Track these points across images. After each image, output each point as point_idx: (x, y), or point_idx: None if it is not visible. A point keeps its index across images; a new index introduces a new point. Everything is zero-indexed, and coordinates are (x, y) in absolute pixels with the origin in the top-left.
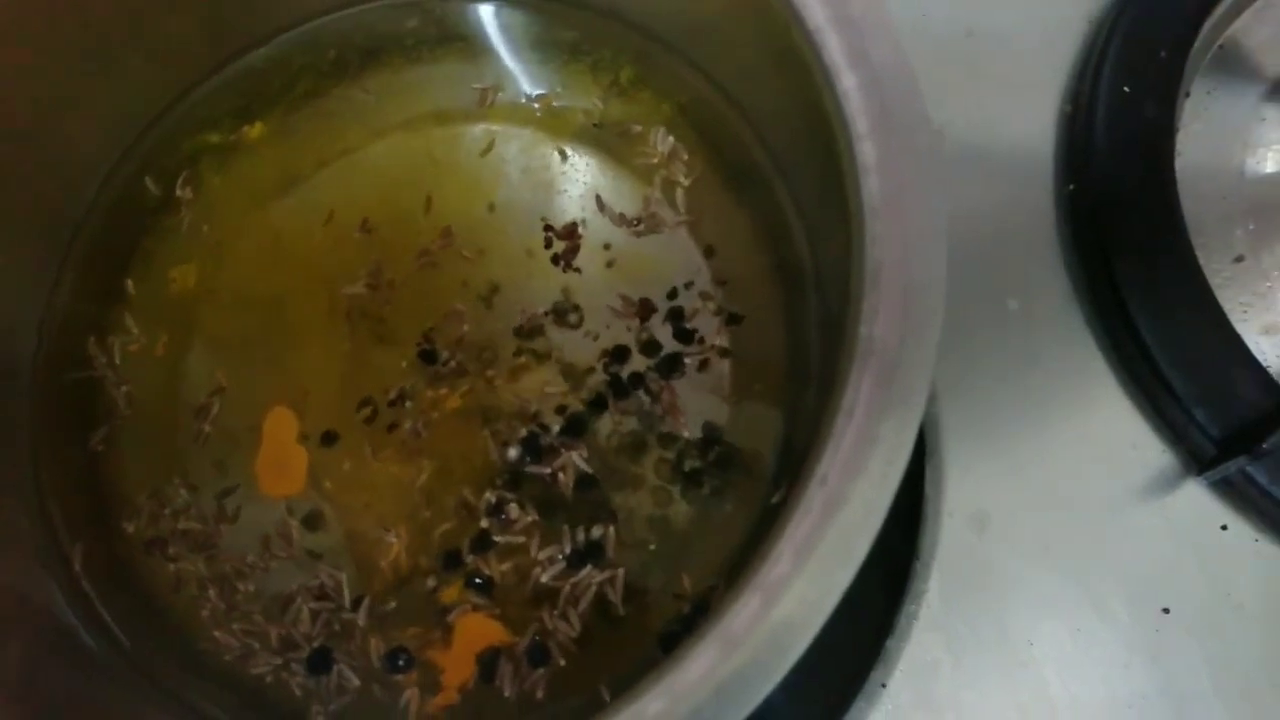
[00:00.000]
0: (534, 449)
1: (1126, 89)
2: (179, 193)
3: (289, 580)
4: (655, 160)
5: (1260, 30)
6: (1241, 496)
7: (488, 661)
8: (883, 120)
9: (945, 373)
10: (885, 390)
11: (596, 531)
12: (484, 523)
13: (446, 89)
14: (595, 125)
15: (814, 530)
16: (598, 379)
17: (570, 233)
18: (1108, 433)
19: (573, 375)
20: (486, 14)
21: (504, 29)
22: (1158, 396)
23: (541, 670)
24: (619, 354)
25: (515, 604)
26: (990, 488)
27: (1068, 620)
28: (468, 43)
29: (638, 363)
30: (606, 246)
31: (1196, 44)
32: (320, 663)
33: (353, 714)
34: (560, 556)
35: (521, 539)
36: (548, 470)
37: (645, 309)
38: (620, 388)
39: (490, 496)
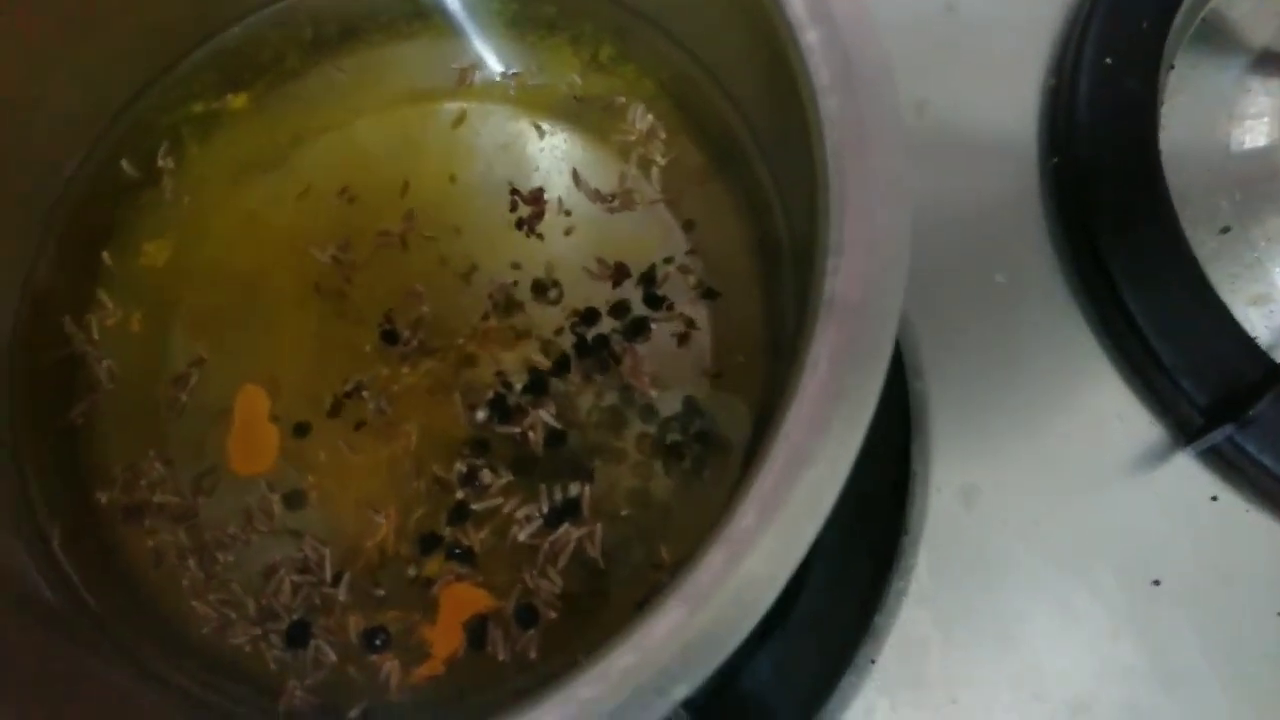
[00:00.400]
0: (502, 410)
1: (1109, 61)
2: (159, 164)
3: (271, 552)
4: (633, 138)
5: (1243, 3)
6: (1231, 466)
7: (475, 629)
8: (845, 74)
9: (933, 348)
10: (849, 345)
11: (573, 489)
12: (460, 493)
13: (423, 66)
14: (576, 99)
15: (778, 486)
16: (565, 339)
17: (536, 198)
18: (1096, 405)
19: (541, 338)
20: None
21: (480, 4)
22: (1145, 368)
23: (532, 631)
24: (588, 316)
25: (497, 570)
26: (978, 462)
27: (1057, 594)
28: (444, 19)
29: (606, 325)
30: (580, 221)
31: (1179, 16)
32: (298, 636)
33: (330, 689)
34: (538, 514)
35: (499, 501)
36: (517, 430)
37: (619, 273)
38: (584, 348)
39: (461, 466)
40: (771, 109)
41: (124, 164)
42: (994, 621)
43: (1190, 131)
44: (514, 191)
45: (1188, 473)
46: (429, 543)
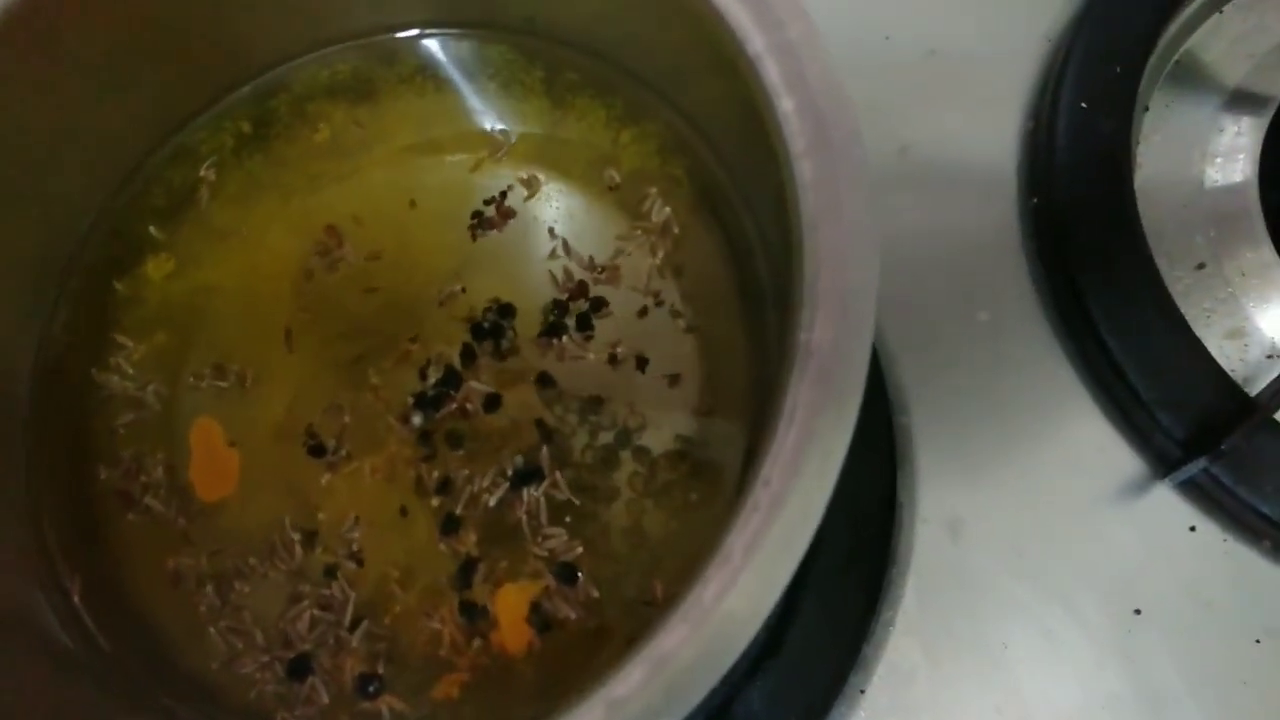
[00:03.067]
0: (430, 402)
1: (1084, 105)
2: (157, 234)
3: (300, 581)
4: (648, 227)
5: (1216, 44)
6: (1208, 498)
7: (538, 615)
8: (818, 140)
9: (918, 384)
10: (822, 391)
11: (532, 456)
12: (435, 501)
13: (434, 124)
14: (610, 184)
15: (759, 529)
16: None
17: (500, 204)
18: (1077, 438)
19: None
20: (449, 45)
21: (460, 59)
22: (1124, 402)
23: (580, 580)
24: (504, 310)
25: (513, 561)
26: (963, 495)
27: (1041, 623)
28: (441, 75)
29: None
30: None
31: (1153, 59)
32: (299, 669)
33: None
34: (502, 479)
35: (480, 488)
36: (454, 407)
37: (580, 290)
38: (481, 332)
39: (432, 475)
40: (753, 168)
41: (139, 219)
42: (980, 650)
43: (1165, 170)
44: (488, 201)
45: (1167, 504)
46: (467, 568)
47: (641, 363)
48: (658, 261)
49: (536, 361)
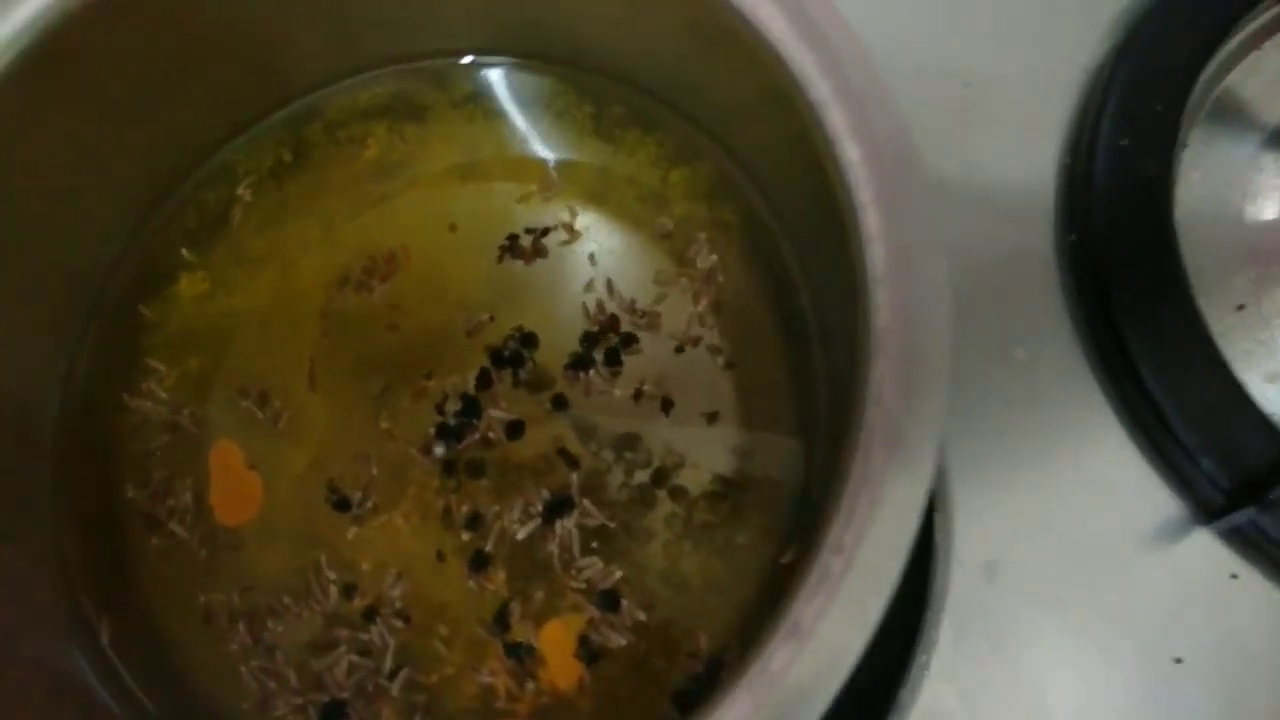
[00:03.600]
0: (451, 432)
1: (1125, 142)
2: (189, 255)
3: (336, 626)
4: (693, 273)
5: (1256, 81)
6: (1251, 545)
7: (586, 648)
8: (885, 190)
9: (954, 422)
10: (893, 457)
11: (559, 488)
12: (464, 536)
13: (480, 151)
14: (663, 232)
15: (829, 598)
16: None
17: (537, 240)
18: (1115, 481)
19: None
20: (497, 74)
21: (509, 89)
22: (1164, 445)
23: (624, 606)
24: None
25: (550, 597)
26: (999, 536)
27: (1080, 670)
28: (490, 103)
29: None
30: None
31: (1193, 96)
32: (333, 715)
33: None
34: (532, 513)
35: (510, 522)
36: (478, 437)
37: (611, 324)
38: (501, 360)
39: (460, 509)
40: (807, 213)
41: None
42: (1016, 696)
43: (1204, 209)
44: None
45: (1208, 550)
46: (504, 611)
47: (667, 405)
48: (699, 309)
49: (563, 392)
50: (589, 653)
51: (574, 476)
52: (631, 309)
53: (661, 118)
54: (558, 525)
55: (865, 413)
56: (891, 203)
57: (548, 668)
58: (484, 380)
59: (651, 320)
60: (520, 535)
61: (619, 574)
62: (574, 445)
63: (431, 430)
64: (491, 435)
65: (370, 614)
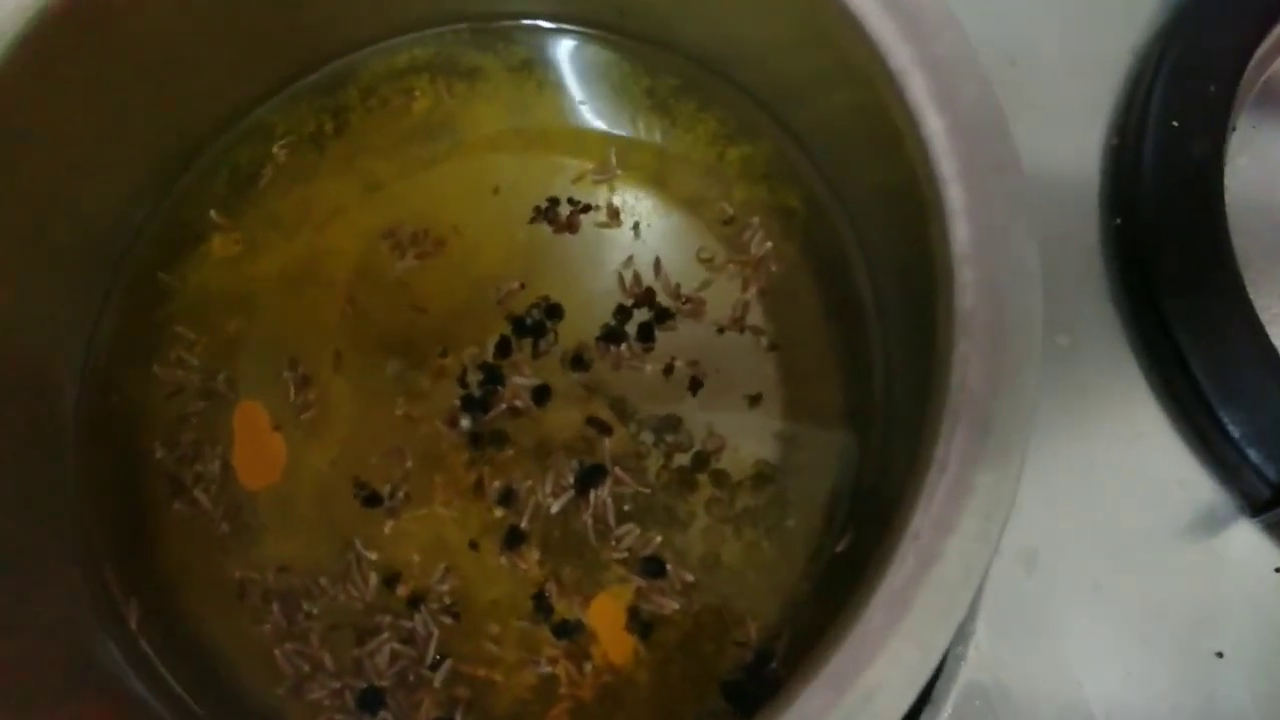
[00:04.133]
0: (477, 404)
1: (1175, 124)
2: (222, 219)
3: (377, 613)
4: (745, 259)
5: None
6: None
7: (636, 622)
8: (971, 163)
9: None
10: (980, 441)
11: (590, 461)
12: (498, 512)
13: (530, 117)
14: (724, 218)
15: (907, 587)
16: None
17: (574, 211)
18: (1158, 471)
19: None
20: (549, 39)
21: (571, 57)
22: (1209, 435)
23: (669, 570)
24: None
25: (594, 573)
26: (1039, 525)
27: (1118, 662)
28: (543, 69)
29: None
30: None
31: (1243, 78)
32: (371, 702)
33: None
34: (566, 484)
35: (544, 496)
36: (504, 407)
37: (647, 296)
38: (523, 328)
39: (494, 484)
40: (872, 188)
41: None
42: (1054, 688)
43: (1253, 193)
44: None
45: (1251, 543)
46: (541, 600)
47: (695, 384)
48: (748, 296)
49: (592, 361)
50: (640, 625)
51: (606, 443)
52: (676, 294)
53: (720, 92)
54: (591, 495)
55: (948, 398)
56: (978, 177)
57: (600, 644)
58: (504, 348)
59: (696, 306)
60: (554, 509)
61: (659, 539)
62: (605, 413)
63: (456, 402)
64: (519, 404)
65: (415, 602)
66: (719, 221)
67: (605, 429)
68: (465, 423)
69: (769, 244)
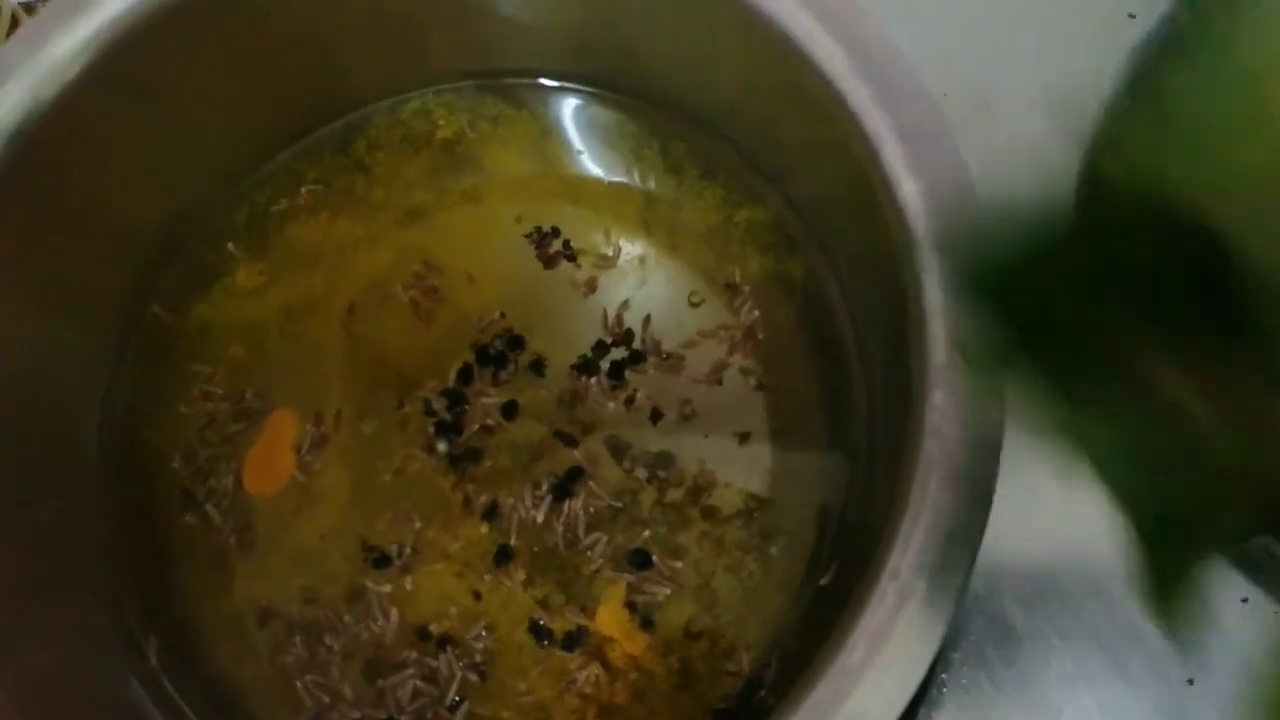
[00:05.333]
0: (449, 428)
1: None
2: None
3: (403, 649)
4: (732, 325)
5: None
6: (1260, 570)
7: (639, 613)
8: (940, 224)
9: None
10: (953, 486)
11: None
12: (484, 528)
13: (542, 165)
14: (729, 281)
15: (886, 624)
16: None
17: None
18: None
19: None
20: (564, 100)
21: (576, 116)
22: None
23: (655, 558)
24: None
25: (579, 580)
26: (1010, 553)
27: (1095, 690)
28: (559, 125)
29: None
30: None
31: None
32: None
33: None
34: (543, 490)
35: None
36: (477, 427)
37: (625, 336)
38: (485, 357)
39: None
40: (858, 249)
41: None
42: (1033, 716)
43: None
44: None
45: (1219, 574)
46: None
47: (656, 415)
48: (733, 362)
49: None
50: (642, 618)
51: (575, 453)
52: (657, 351)
53: (725, 160)
54: (566, 504)
55: (923, 444)
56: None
57: (616, 643)
58: (465, 376)
59: (675, 363)
60: (539, 518)
61: (645, 533)
62: (602, 453)
63: (431, 430)
64: (490, 422)
65: (442, 644)
66: (718, 284)
67: (571, 442)
68: (442, 447)
69: (756, 313)
